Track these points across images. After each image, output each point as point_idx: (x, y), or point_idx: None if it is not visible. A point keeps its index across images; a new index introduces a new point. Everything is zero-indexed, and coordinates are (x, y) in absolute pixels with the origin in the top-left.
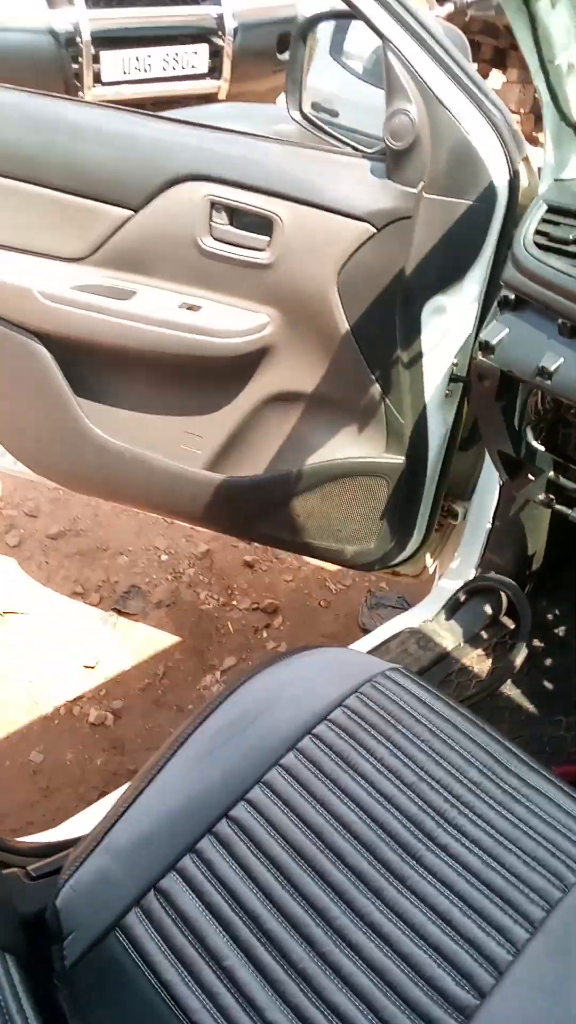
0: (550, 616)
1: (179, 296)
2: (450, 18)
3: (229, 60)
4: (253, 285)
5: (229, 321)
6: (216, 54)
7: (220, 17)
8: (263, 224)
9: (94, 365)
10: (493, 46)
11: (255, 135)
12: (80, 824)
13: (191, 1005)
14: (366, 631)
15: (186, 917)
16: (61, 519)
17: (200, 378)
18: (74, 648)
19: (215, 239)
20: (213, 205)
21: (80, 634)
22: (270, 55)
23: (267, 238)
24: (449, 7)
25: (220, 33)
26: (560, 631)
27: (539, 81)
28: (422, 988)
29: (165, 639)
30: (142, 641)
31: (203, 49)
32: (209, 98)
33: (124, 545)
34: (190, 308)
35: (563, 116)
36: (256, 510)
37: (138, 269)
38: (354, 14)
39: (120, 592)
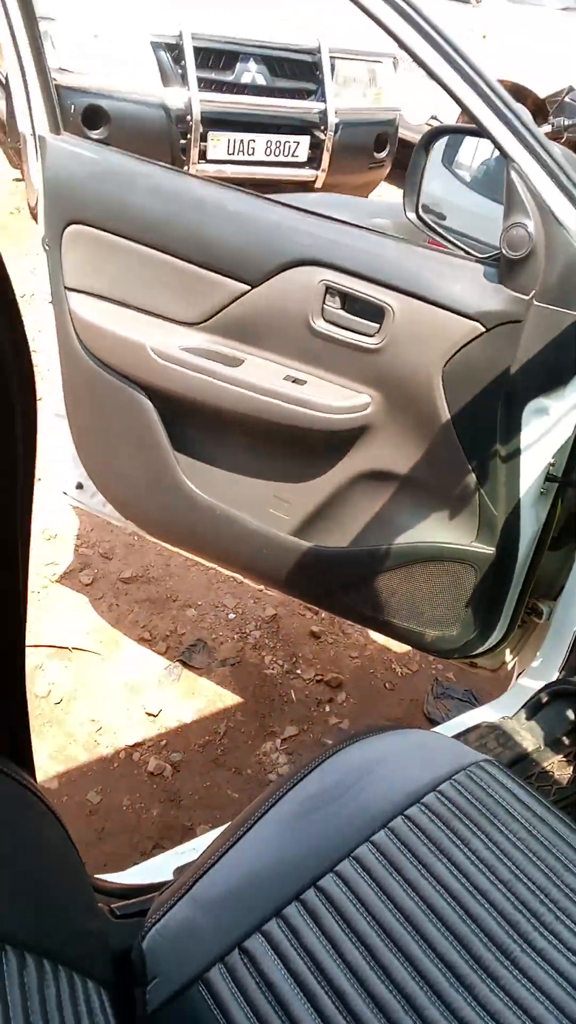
0: None
1: (285, 369)
2: (549, 137)
3: (328, 153)
4: (359, 367)
5: (332, 397)
6: (317, 146)
7: (324, 112)
8: (374, 312)
9: (195, 423)
10: None
11: (371, 229)
12: (147, 871)
13: None
14: (431, 719)
15: (269, 981)
16: (134, 564)
17: (296, 447)
18: (138, 694)
19: (326, 320)
20: (328, 290)
21: (145, 681)
22: (367, 152)
23: (377, 325)
24: (547, 128)
25: (322, 127)
26: None
27: None
28: None
29: (227, 698)
30: (205, 697)
31: (305, 140)
32: (306, 185)
33: (193, 598)
34: (295, 381)
35: None
36: (339, 581)
37: (248, 340)
38: (480, 132)
39: (186, 644)
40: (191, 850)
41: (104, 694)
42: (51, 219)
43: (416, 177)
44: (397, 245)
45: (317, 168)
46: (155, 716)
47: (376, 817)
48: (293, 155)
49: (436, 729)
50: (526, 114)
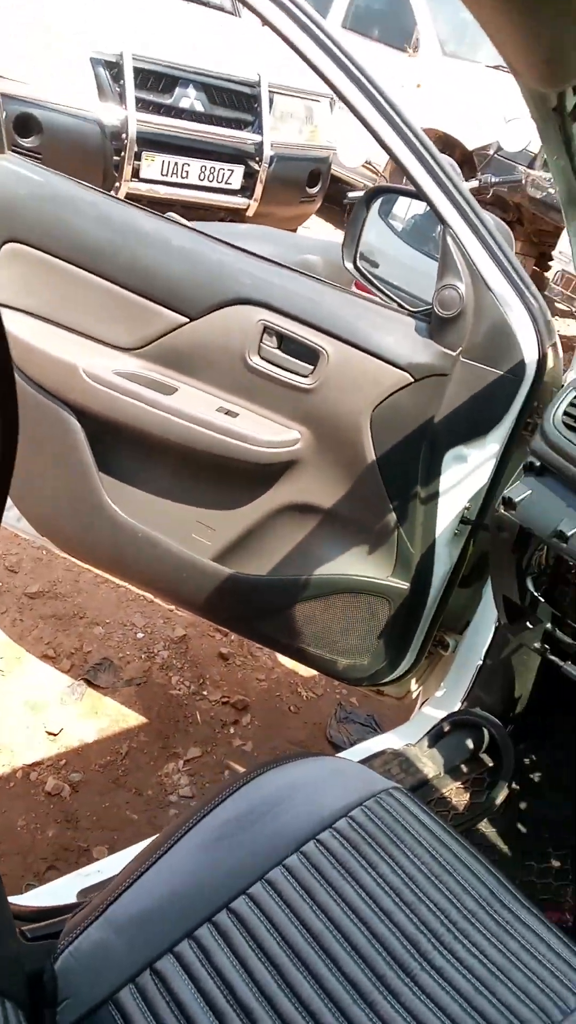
0: (527, 760)
1: (218, 400)
2: (474, 192)
3: (261, 184)
4: (290, 404)
5: (262, 431)
6: (251, 175)
7: (260, 144)
8: (310, 354)
9: (123, 446)
10: (501, 218)
11: (311, 276)
12: (53, 893)
13: None
14: (333, 743)
15: (179, 1001)
16: (41, 579)
17: (224, 476)
18: (39, 712)
19: (262, 358)
20: (266, 329)
21: (47, 699)
22: (299, 186)
23: (312, 367)
24: (474, 183)
25: (257, 158)
26: (535, 776)
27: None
28: None
29: (132, 718)
30: (108, 716)
31: (239, 169)
32: (236, 212)
33: (102, 616)
34: (228, 413)
35: None
36: (257, 609)
37: (183, 370)
38: (420, 198)
39: (92, 663)
40: (95, 872)
41: (3, 712)
42: None
43: (356, 230)
44: (335, 293)
45: (250, 197)
46: (55, 735)
47: (289, 842)
48: (227, 182)
49: (342, 754)
50: (459, 177)
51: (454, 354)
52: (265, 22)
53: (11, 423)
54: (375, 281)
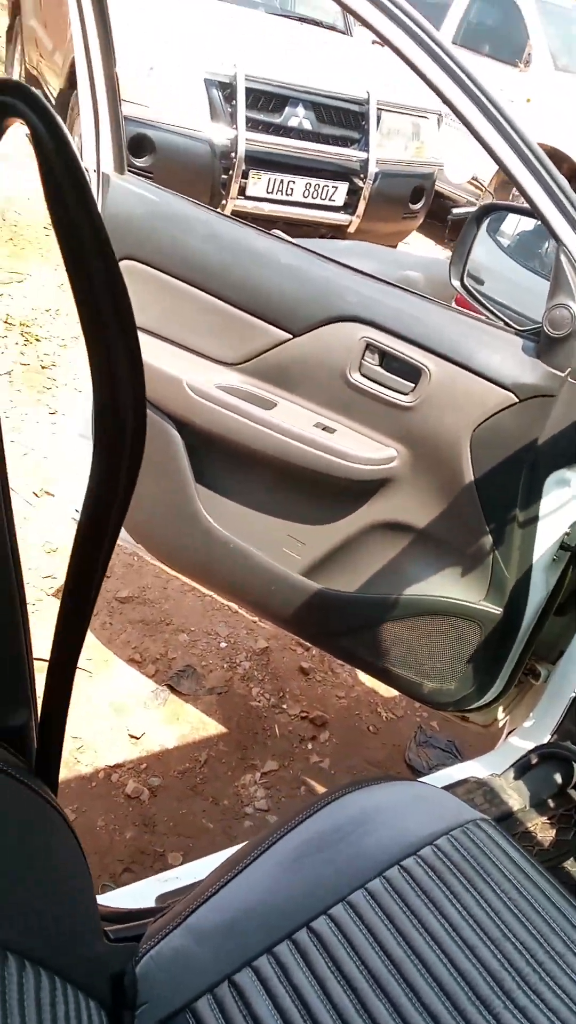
0: None
1: (316, 416)
2: None
3: (364, 201)
4: (390, 422)
5: (359, 448)
6: (354, 192)
7: (365, 161)
8: (412, 372)
9: (220, 458)
10: None
11: (416, 293)
12: (134, 894)
13: None
14: (411, 767)
15: (256, 1015)
16: (131, 584)
17: (317, 491)
18: (123, 715)
19: (363, 375)
20: (368, 346)
21: (131, 702)
22: (403, 203)
23: (413, 384)
24: None
25: (362, 175)
26: None
27: None
28: None
29: (211, 726)
30: (189, 723)
31: (343, 186)
32: (340, 229)
33: (187, 623)
34: (325, 429)
35: None
36: (344, 626)
37: (283, 385)
38: (533, 215)
39: (176, 669)
40: (174, 878)
41: (89, 712)
42: None
43: (465, 247)
44: (440, 310)
45: (352, 214)
46: (138, 739)
47: (372, 865)
48: (330, 199)
49: (423, 779)
50: (572, 194)
51: (563, 375)
52: (379, 36)
53: (138, 446)
54: (480, 299)
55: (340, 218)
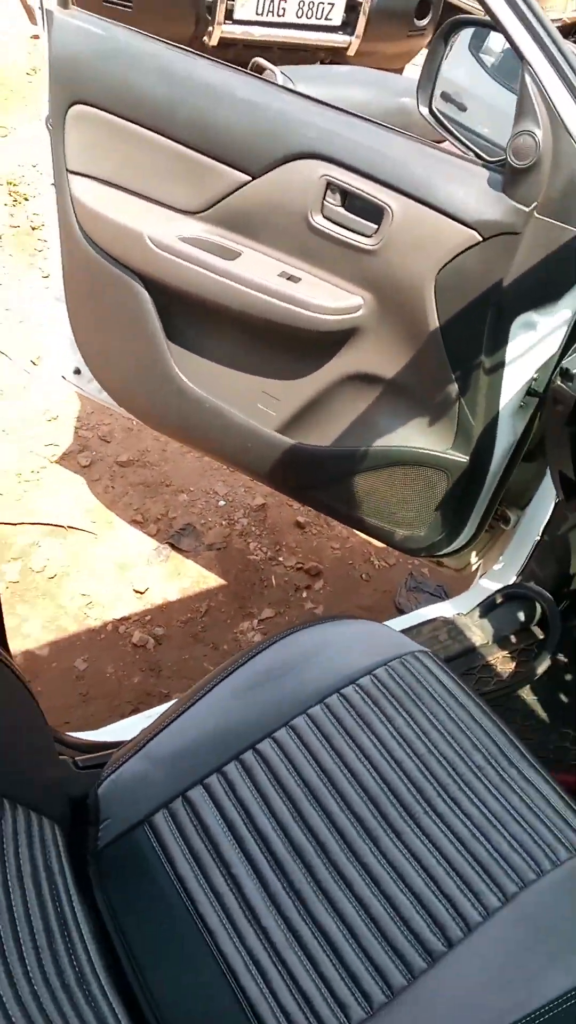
0: None
1: (280, 265)
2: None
3: (364, 17)
4: (353, 267)
5: (324, 297)
6: (353, 9)
7: None
8: (374, 212)
9: (189, 314)
10: None
11: (381, 124)
12: (118, 731)
13: (199, 899)
14: (400, 611)
15: (206, 826)
16: (131, 448)
17: (287, 345)
18: (127, 572)
19: (325, 217)
20: (329, 185)
21: (135, 560)
22: (407, 18)
23: (375, 226)
24: None
25: None
26: None
27: None
28: (399, 927)
29: (211, 580)
30: (190, 578)
31: (340, 2)
32: (337, 52)
33: (186, 484)
34: (290, 278)
35: None
36: (318, 478)
37: (245, 232)
38: (497, 29)
39: (176, 528)
40: (159, 714)
41: (96, 571)
42: (55, 98)
43: (432, 69)
44: (406, 142)
45: (351, 34)
46: (142, 593)
47: (314, 693)
48: (326, 18)
49: (401, 618)
50: (541, 11)
51: (527, 210)
52: None
53: None
54: (451, 128)
55: (338, 39)
